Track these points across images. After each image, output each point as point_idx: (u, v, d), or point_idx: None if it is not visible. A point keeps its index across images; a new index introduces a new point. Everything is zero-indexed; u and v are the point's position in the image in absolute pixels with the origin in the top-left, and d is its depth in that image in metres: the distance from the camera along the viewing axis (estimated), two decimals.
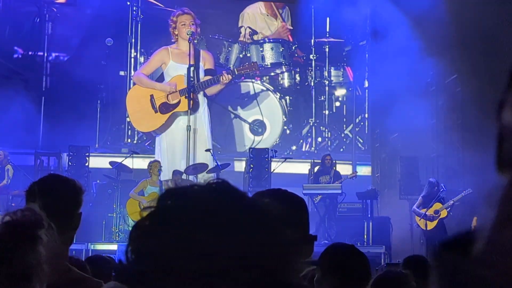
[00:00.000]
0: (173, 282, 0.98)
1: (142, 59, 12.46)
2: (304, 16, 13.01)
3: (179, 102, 10.08)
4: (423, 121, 11.50)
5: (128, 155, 10.50)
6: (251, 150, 10.50)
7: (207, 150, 10.05)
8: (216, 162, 9.85)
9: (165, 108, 10.12)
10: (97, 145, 11.96)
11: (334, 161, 11.02)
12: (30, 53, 12.89)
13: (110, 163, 10.24)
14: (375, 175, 12.39)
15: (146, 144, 12.11)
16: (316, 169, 11.14)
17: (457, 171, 11.48)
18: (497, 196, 0.85)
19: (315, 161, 11.33)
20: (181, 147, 9.96)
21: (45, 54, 12.69)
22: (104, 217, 10.05)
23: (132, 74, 12.30)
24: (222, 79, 9.82)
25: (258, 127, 12.00)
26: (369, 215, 10.62)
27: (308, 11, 12.77)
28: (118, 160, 10.47)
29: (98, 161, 11.16)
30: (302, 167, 11.65)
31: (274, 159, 10.41)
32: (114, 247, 9.47)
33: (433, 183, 10.46)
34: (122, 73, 12.51)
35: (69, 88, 12.12)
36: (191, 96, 9.90)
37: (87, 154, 10.37)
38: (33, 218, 1.61)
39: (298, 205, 2.24)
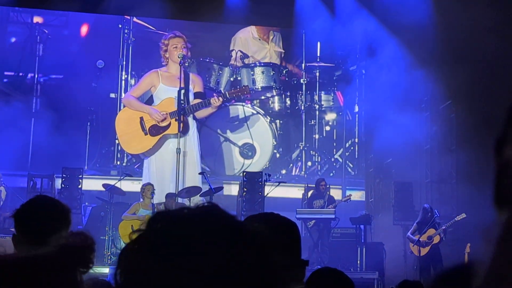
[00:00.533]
0: None
1: (132, 82, 12.48)
2: (295, 41, 13.09)
3: (169, 125, 10.09)
4: (417, 146, 11.51)
5: (121, 177, 10.42)
6: (244, 173, 10.45)
7: (201, 173, 10.04)
8: (209, 185, 9.83)
9: (155, 130, 10.12)
10: (86, 167, 11.93)
11: (328, 186, 11.01)
12: (20, 74, 12.89)
13: (103, 185, 10.20)
14: (369, 200, 12.36)
15: (135, 166, 12.09)
16: (310, 193, 11.12)
17: (451, 197, 11.47)
18: (495, 232, 0.84)
19: (309, 185, 11.31)
20: (170, 170, 9.94)
21: (36, 76, 12.69)
22: (96, 239, 9.94)
23: (122, 96, 12.32)
24: (213, 102, 9.83)
25: (248, 151, 12.00)
26: (362, 241, 10.57)
27: (299, 36, 12.85)
28: (111, 182, 10.43)
29: (91, 183, 11.09)
30: (295, 192, 11.62)
31: (267, 183, 10.37)
32: (106, 270, 9.40)
33: (427, 209, 10.44)
34: (112, 95, 12.53)
35: (59, 110, 12.10)
36: (181, 119, 9.90)
37: (80, 176, 10.32)
38: (87, 242, 1.60)
39: (290, 230, 2.24)
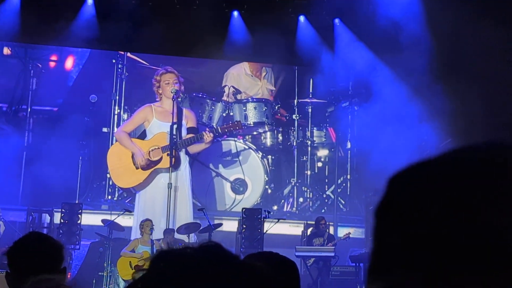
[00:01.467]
0: None
1: (125, 116, 12.50)
2: (287, 77, 13.19)
3: (160, 159, 10.09)
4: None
5: (121, 212, 10.33)
6: (244, 210, 10.38)
7: (200, 209, 10.01)
8: (209, 222, 9.80)
9: (146, 164, 10.12)
10: (77, 201, 11.87)
11: (328, 224, 10.96)
12: (13, 108, 12.91)
13: (102, 220, 10.13)
14: (369, 238, 12.28)
15: (126, 201, 12.04)
16: (309, 231, 11.06)
17: None
18: None
19: (308, 223, 11.27)
20: (162, 205, 9.92)
21: (29, 109, 12.71)
22: (95, 276, 9.89)
23: (115, 131, 12.33)
24: (205, 137, 9.85)
25: (239, 186, 11.98)
26: (362, 279, 10.49)
27: (291, 72, 12.94)
28: (109, 217, 10.36)
29: (89, 219, 11.00)
30: (294, 229, 11.56)
31: (267, 220, 10.31)
32: None
33: None
34: (105, 129, 12.53)
35: (51, 143, 12.09)
36: (173, 154, 9.91)
37: (80, 211, 10.26)
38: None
39: (289, 269, 2.25)
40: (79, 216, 10.21)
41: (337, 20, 11.91)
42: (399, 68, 11.19)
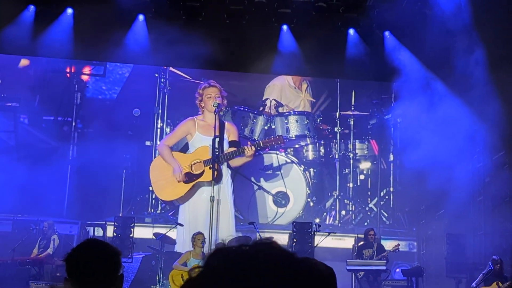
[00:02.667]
0: None
1: (168, 130, 12.60)
2: (328, 89, 13.15)
3: (202, 172, 10.11)
4: (470, 198, 11.23)
5: (173, 225, 10.38)
6: (294, 224, 10.33)
7: (251, 223, 10.03)
8: (259, 235, 9.79)
9: (188, 178, 10.15)
10: (121, 214, 12.00)
11: (377, 236, 10.87)
12: (59, 119, 13.13)
13: (154, 234, 10.20)
14: (421, 252, 12.13)
15: (169, 214, 12.12)
16: (360, 244, 10.99)
17: (506, 250, 11.11)
18: None
19: (359, 236, 11.20)
20: (204, 218, 9.93)
21: (73, 124, 12.91)
22: None
23: (158, 144, 12.44)
24: (246, 151, 9.84)
25: (281, 199, 11.96)
26: None
27: (333, 85, 12.90)
28: (161, 231, 10.43)
29: (141, 232, 11.09)
30: (338, 242, 11.48)
31: (317, 233, 10.26)
32: None
33: (496, 260, 10.12)
34: (148, 143, 12.65)
35: (95, 157, 12.25)
36: (215, 167, 9.93)
37: (132, 225, 10.35)
38: None
39: (331, 273, 2.23)
40: (132, 229, 10.28)
41: (387, 33, 11.83)
42: (450, 79, 11.01)
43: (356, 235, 11.31)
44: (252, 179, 11.98)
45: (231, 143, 10.22)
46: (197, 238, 9.43)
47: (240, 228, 10.95)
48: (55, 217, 11.40)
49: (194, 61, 11.20)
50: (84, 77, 13.41)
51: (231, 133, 10.31)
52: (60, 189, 12.07)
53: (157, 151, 11.98)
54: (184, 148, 10.78)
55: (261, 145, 10.06)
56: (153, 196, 12.28)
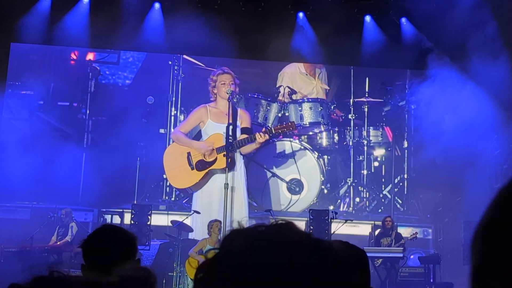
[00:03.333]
0: None
1: (182, 117, 12.62)
2: (342, 76, 13.10)
3: (215, 160, 10.13)
4: (487, 185, 11.17)
5: (190, 213, 10.40)
6: (311, 211, 10.30)
7: (267, 210, 10.05)
8: (275, 221, 9.75)
9: (202, 165, 10.17)
10: (135, 202, 12.04)
11: (395, 224, 10.84)
12: (74, 104, 13.18)
13: (172, 221, 10.24)
14: (438, 240, 12.10)
15: (183, 201, 12.15)
16: (377, 232, 10.97)
17: None
18: None
19: (376, 223, 11.18)
20: (217, 205, 9.96)
21: (87, 111, 12.95)
22: (165, 276, 10.01)
23: (172, 132, 12.47)
24: (257, 138, 9.82)
25: (295, 186, 11.96)
26: (431, 280, 10.34)
27: (347, 71, 12.86)
28: (177, 218, 10.47)
29: (156, 219, 11.13)
30: (352, 229, 11.45)
31: (334, 220, 10.24)
32: None
33: None
34: (162, 130, 12.68)
35: (109, 144, 12.30)
36: (229, 154, 9.95)
37: (149, 212, 10.39)
38: (149, 280, 1.60)
39: (361, 255, 2.21)
40: (149, 217, 10.33)
41: (403, 20, 11.75)
42: (468, 65, 10.90)
43: (372, 222, 11.29)
44: (266, 166, 11.98)
45: (243, 130, 10.22)
46: (214, 225, 9.43)
47: (255, 215, 10.98)
48: (70, 204, 11.47)
49: (209, 49, 11.20)
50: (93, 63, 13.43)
51: (243, 120, 10.31)
52: (75, 177, 12.12)
53: (171, 139, 12.02)
54: (197, 136, 10.80)
55: (273, 132, 10.05)
56: (167, 184, 12.32)
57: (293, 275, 0.96)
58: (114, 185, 11.96)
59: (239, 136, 10.12)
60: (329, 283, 0.98)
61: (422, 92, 11.64)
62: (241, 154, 10.25)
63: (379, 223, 11.00)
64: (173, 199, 12.33)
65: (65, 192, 11.60)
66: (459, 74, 11.09)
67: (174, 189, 12.26)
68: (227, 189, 9.81)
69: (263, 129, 10.56)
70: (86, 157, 12.51)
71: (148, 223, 10.30)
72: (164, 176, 11.69)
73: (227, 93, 10.06)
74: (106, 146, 12.38)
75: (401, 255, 10.25)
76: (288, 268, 0.96)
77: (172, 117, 12.64)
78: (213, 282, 0.99)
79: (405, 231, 11.73)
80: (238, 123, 10.21)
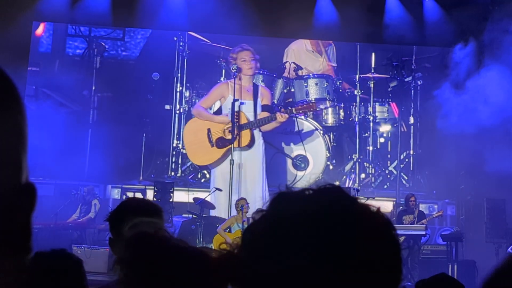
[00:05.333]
0: (287, 283, 0.98)
1: (187, 94, 12.61)
2: (348, 52, 13.03)
3: (236, 137, 10.12)
4: (509, 162, 11.08)
5: (213, 190, 10.42)
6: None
7: (277, 186, 10.03)
8: None
9: (221, 142, 10.14)
10: (141, 178, 12.09)
11: (418, 203, 10.82)
12: (79, 85, 13.17)
13: (194, 199, 10.28)
14: (460, 217, 12.09)
15: (189, 177, 12.18)
16: (400, 209, 10.97)
17: None
18: None
19: (400, 201, 11.17)
20: (236, 182, 9.97)
21: (93, 88, 12.94)
22: None
23: (177, 108, 12.47)
24: (278, 118, 9.84)
25: (301, 162, 11.96)
26: (454, 258, 10.35)
27: (353, 48, 12.78)
28: (201, 195, 10.49)
29: (178, 196, 11.15)
30: (384, 206, 11.43)
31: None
32: None
33: None
34: (167, 107, 12.67)
35: (115, 121, 12.31)
36: (234, 132, 9.96)
37: (171, 190, 10.42)
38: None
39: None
40: (171, 194, 10.36)
41: None
42: (489, 44, 10.75)
43: (393, 200, 11.28)
44: (271, 142, 11.97)
45: (264, 107, 10.23)
46: (239, 203, 9.41)
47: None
48: (76, 180, 11.52)
49: (225, 26, 11.10)
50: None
51: (264, 97, 10.31)
52: (80, 153, 12.15)
53: (182, 114, 12.05)
54: (217, 112, 10.78)
55: (294, 112, 10.04)
56: (173, 160, 12.35)
57: (336, 240, 0.96)
58: (120, 161, 12.00)
59: (260, 113, 10.11)
60: (377, 247, 0.99)
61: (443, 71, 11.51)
62: (260, 131, 10.25)
63: (390, 200, 10.98)
64: (178, 175, 12.36)
65: (70, 168, 11.64)
66: (478, 52, 10.98)
67: (180, 165, 12.29)
68: (241, 166, 9.85)
69: (282, 109, 10.53)
70: (91, 133, 12.53)
71: (171, 200, 10.34)
72: (183, 151, 11.65)
73: (232, 69, 10.09)
74: (111, 123, 12.39)
75: (423, 232, 10.21)
76: (332, 233, 0.97)
77: (178, 93, 12.63)
78: (259, 242, 0.99)
79: (424, 209, 11.70)
80: (259, 100, 10.21)
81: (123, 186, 11.41)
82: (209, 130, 10.21)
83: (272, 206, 1.04)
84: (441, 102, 11.04)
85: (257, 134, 10.18)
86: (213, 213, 10.12)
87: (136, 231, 2.06)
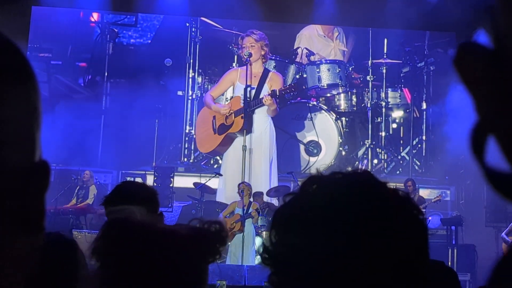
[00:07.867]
0: (318, 266, 1.00)
1: (199, 79, 12.62)
2: (360, 38, 12.98)
3: (232, 123, 10.18)
4: None
5: (213, 175, 10.44)
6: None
7: (290, 172, 10.12)
8: (298, 184, 9.79)
9: (222, 129, 10.25)
10: (154, 164, 12.11)
11: (417, 186, 10.83)
12: (92, 71, 13.20)
13: (194, 184, 10.30)
14: (460, 202, 12.09)
15: (202, 163, 12.21)
16: None
17: None
18: None
19: (397, 186, 11.14)
20: (239, 167, 10.01)
21: (106, 74, 12.96)
22: None
23: (189, 94, 12.49)
24: (264, 101, 9.87)
25: (313, 148, 11.96)
26: (453, 242, 10.38)
27: (365, 33, 12.73)
28: (200, 180, 10.51)
29: (178, 181, 11.18)
30: None
31: None
32: None
33: None
34: (180, 93, 12.68)
35: (128, 107, 12.33)
36: (246, 116, 9.98)
37: (172, 175, 10.45)
38: (221, 234, 1.61)
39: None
40: (171, 179, 10.39)
41: None
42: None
43: (394, 184, 11.26)
44: (284, 128, 11.97)
45: (271, 93, 10.23)
46: (239, 188, 9.44)
47: (295, 179, 10.92)
48: (89, 166, 11.57)
49: (232, 12, 11.09)
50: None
51: (273, 82, 10.29)
52: (94, 139, 12.19)
53: (189, 101, 12.08)
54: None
55: (277, 94, 10.00)
56: (186, 146, 12.39)
57: (366, 224, 0.98)
58: (133, 148, 12.03)
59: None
60: (406, 231, 1.00)
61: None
62: (269, 116, 10.27)
63: (401, 185, 10.98)
64: (191, 160, 12.39)
65: (83, 154, 11.69)
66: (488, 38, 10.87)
67: (192, 151, 12.32)
68: (245, 151, 9.86)
69: (267, 92, 10.54)
70: (104, 119, 12.56)
71: (171, 185, 10.37)
72: (187, 138, 11.70)
73: (245, 55, 10.11)
74: (124, 109, 12.42)
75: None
76: (363, 216, 0.98)
77: (190, 79, 12.63)
78: (290, 224, 1.01)
79: (423, 193, 11.75)
80: (267, 85, 10.20)
81: (120, 171, 11.41)
82: (214, 117, 10.34)
83: (303, 189, 1.05)
84: (452, 88, 11.04)
85: (265, 119, 10.19)
86: (218, 198, 10.17)
87: (107, 220, 2.09)
